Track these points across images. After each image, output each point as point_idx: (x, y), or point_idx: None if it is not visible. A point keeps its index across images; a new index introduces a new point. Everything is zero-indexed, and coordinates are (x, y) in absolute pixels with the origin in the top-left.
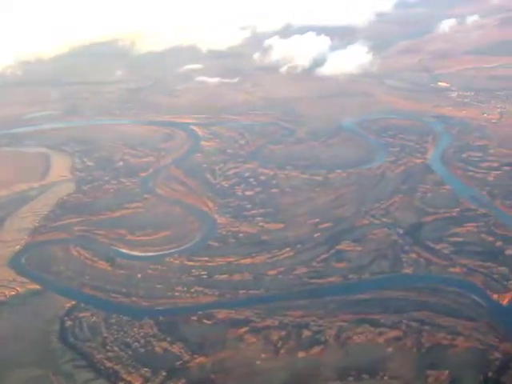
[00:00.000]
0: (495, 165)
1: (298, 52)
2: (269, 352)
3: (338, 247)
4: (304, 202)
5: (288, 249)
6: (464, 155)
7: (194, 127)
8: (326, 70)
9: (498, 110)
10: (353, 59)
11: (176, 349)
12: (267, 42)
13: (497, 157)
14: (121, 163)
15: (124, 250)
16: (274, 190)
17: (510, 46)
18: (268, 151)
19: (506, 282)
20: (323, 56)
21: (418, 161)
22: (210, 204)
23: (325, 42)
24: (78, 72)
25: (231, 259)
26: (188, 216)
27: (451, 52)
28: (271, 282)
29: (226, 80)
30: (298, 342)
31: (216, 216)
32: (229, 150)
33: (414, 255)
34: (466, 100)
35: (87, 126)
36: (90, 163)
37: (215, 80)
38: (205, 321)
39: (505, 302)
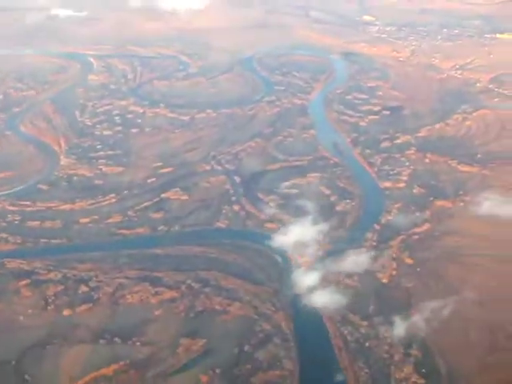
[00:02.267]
0: (376, 109)
1: None
2: (37, 308)
3: (164, 195)
4: (157, 144)
5: (112, 195)
6: (349, 97)
7: (92, 59)
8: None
9: (412, 47)
10: None
11: None
12: None
13: (383, 100)
14: (1, 96)
15: None
16: (134, 130)
17: None
18: (150, 87)
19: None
20: None
21: (298, 102)
22: (63, 143)
23: None
24: None
25: (52, 205)
26: (36, 156)
27: None
28: (78, 231)
29: None
30: (72, 299)
31: (62, 157)
32: (112, 86)
33: (236, 207)
34: (383, 35)
35: None
36: None
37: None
38: None
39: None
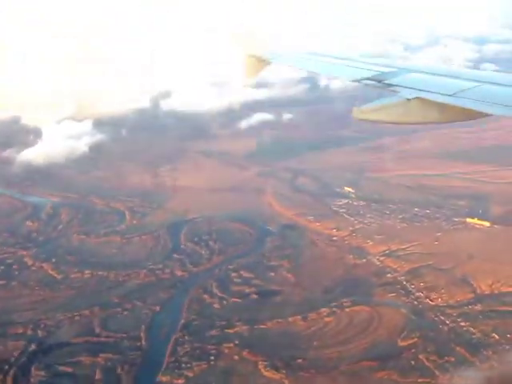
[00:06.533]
0: (247, 290)
1: None
2: None
3: None
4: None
5: None
6: (234, 274)
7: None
8: None
9: (359, 226)
10: None
11: None
12: None
13: (266, 282)
14: None
15: None
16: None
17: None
18: (64, 240)
19: None
20: None
21: (179, 273)
22: None
23: None
24: None
25: None
26: None
27: (419, 153)
28: None
29: None
30: None
31: None
32: (33, 234)
33: None
34: (341, 210)
35: None
36: None
37: None
38: None
39: None
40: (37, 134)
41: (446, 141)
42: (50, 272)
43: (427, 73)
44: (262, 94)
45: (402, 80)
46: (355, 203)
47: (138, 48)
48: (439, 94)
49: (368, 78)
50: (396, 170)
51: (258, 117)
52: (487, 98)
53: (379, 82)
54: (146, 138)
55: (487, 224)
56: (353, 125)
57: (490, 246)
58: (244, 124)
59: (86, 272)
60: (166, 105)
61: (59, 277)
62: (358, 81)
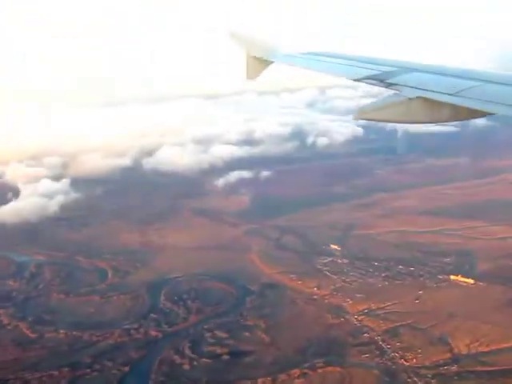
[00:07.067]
0: (219, 351)
1: None
2: None
3: None
4: None
5: None
6: (208, 334)
7: (32, 266)
8: None
9: (340, 284)
10: None
11: None
12: None
13: (241, 342)
14: None
15: None
16: None
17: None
18: (44, 299)
19: None
20: None
21: (153, 333)
22: None
23: None
24: None
25: None
26: None
27: (408, 209)
28: None
29: None
30: None
31: None
32: (14, 293)
33: None
34: (325, 268)
35: None
36: None
37: None
38: None
39: None
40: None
41: (435, 197)
42: (25, 331)
43: (429, 72)
44: (251, 151)
45: (404, 79)
46: (339, 261)
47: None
48: (441, 93)
49: (369, 77)
50: (385, 227)
51: (248, 174)
52: (490, 97)
53: (381, 81)
54: (132, 195)
55: (471, 281)
56: (346, 182)
57: (471, 304)
58: (232, 181)
59: (61, 332)
60: (148, 163)
61: (33, 336)
62: (360, 80)
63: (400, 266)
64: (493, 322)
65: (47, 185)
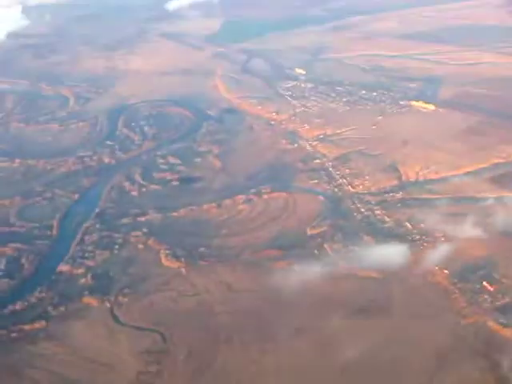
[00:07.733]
0: (169, 178)
1: None
2: None
3: None
4: None
5: None
6: (162, 160)
7: None
8: None
9: (300, 109)
10: None
11: None
12: None
13: (191, 168)
14: None
15: None
16: None
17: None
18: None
19: None
20: None
21: (106, 160)
22: None
23: None
24: None
25: None
26: None
27: (384, 32)
28: None
29: None
30: None
31: None
32: None
33: None
34: (287, 93)
35: None
36: None
37: None
38: None
39: None
40: None
41: (416, 19)
42: None
43: None
44: None
45: None
46: (303, 85)
47: None
48: None
49: None
50: (356, 51)
51: None
52: None
53: None
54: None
55: (432, 107)
56: (323, 3)
57: (428, 131)
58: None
59: (16, 161)
60: None
61: None
62: None
63: (363, 91)
64: (447, 149)
65: None
